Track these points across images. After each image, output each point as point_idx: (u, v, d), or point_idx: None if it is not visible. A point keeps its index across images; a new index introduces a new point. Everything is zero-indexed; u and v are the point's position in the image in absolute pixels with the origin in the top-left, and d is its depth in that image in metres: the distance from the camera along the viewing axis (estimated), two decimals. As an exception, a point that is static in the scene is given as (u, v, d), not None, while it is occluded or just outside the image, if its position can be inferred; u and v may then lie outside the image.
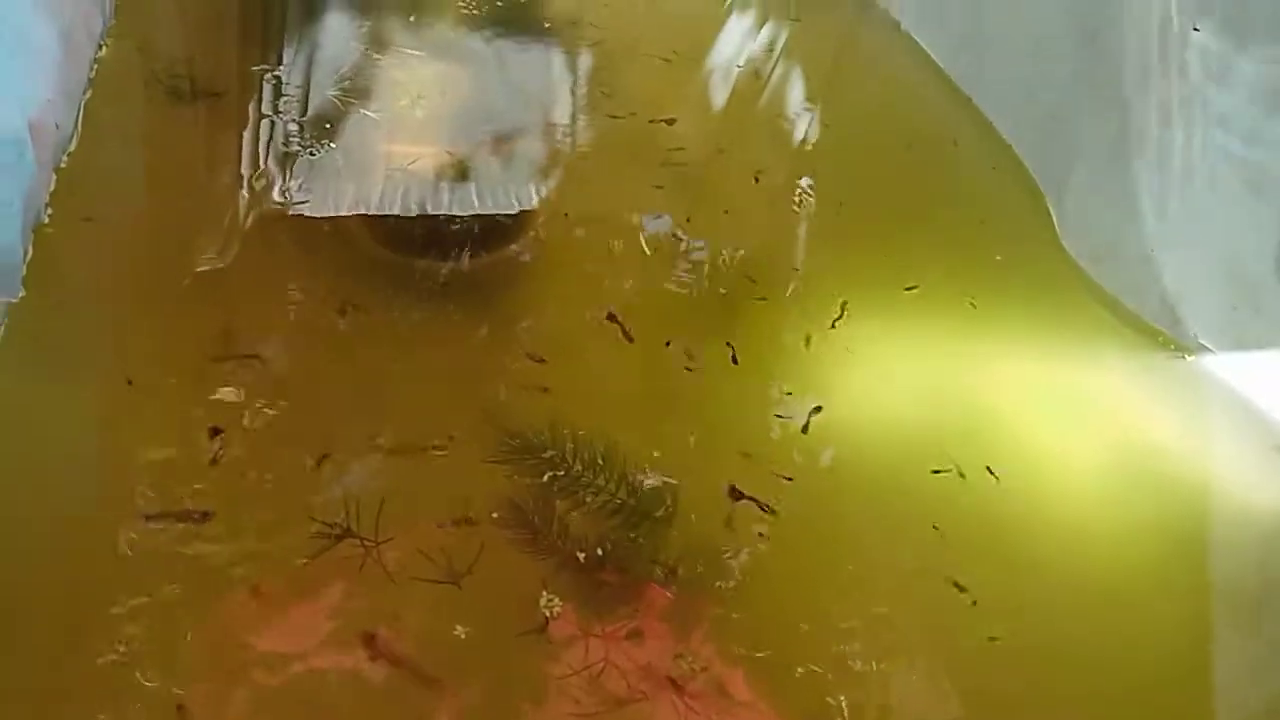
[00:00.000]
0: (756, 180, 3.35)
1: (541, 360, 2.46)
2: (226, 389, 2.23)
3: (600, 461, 2.19)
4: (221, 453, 2.10)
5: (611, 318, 2.63)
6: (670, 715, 1.80)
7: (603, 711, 1.78)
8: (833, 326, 2.78)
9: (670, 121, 3.63)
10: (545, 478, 2.16)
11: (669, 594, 1.99)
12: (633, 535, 2.08)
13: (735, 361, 2.58)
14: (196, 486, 2.02)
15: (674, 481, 2.20)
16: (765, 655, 1.92)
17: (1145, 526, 2.40)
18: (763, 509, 2.20)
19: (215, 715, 1.69)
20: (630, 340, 2.59)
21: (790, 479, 2.29)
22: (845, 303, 2.86)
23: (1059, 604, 2.17)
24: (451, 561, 1.96)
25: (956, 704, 1.95)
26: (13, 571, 1.86)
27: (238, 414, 2.18)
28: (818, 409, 2.47)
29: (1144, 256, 2.94)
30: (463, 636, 1.87)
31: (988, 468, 2.40)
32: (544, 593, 1.93)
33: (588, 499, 2.13)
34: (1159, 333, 2.90)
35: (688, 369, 2.54)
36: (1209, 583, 2.29)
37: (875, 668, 1.95)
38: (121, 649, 1.74)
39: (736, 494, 2.22)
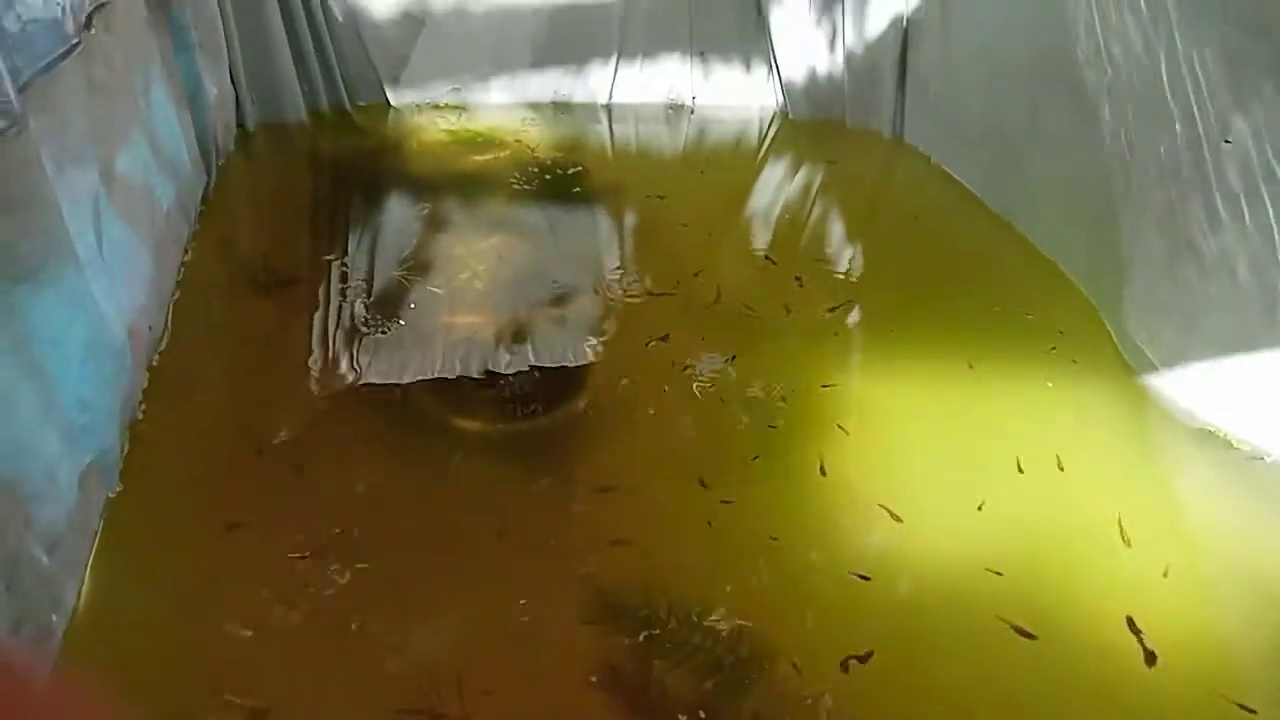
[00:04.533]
0: (801, 314, 3.42)
1: (604, 514, 2.49)
2: (304, 562, 2.27)
3: (695, 618, 2.16)
4: (299, 621, 2.12)
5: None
6: None
7: None
8: (894, 456, 2.78)
9: (714, 268, 3.77)
10: (641, 637, 2.12)
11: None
12: (731, 694, 2.01)
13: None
14: (280, 661, 2.04)
15: (756, 628, 2.15)
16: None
17: (1251, 632, 2.28)
18: (860, 659, 2.12)
19: None
20: (705, 486, 2.59)
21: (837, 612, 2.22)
22: (906, 430, 2.86)
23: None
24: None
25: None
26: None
27: (314, 582, 2.23)
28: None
29: (1211, 365, 2.91)
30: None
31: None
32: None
33: (685, 657, 2.08)
34: (1235, 435, 2.84)
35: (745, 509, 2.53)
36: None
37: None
38: None
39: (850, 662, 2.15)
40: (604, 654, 2.08)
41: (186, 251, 3.46)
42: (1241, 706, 2.06)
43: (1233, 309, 2.83)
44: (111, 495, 2.38)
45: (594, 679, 2.03)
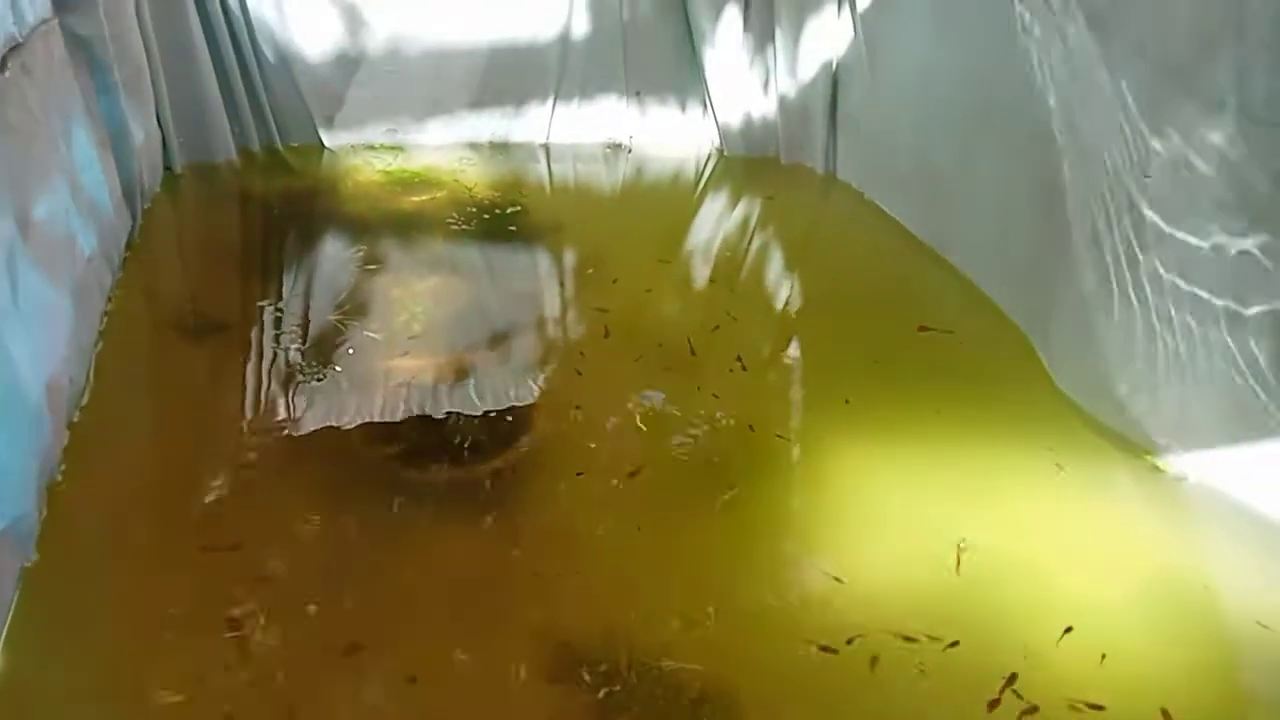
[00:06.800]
0: (741, 356, 3.41)
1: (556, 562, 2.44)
2: (240, 622, 2.17)
3: (656, 669, 2.10)
4: (235, 685, 2.02)
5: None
6: None
7: None
8: (838, 487, 2.79)
9: (655, 303, 3.77)
10: (601, 694, 2.06)
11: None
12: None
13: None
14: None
15: (718, 676, 2.11)
16: None
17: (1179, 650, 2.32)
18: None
19: None
20: (652, 525, 2.57)
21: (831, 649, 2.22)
22: (847, 462, 2.88)
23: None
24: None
25: None
26: None
27: (250, 643, 2.12)
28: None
29: (1140, 389, 3.00)
30: None
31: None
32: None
33: (647, 711, 2.03)
34: (1163, 458, 2.92)
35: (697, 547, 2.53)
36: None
37: None
38: None
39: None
40: (564, 713, 2.02)
41: (110, 299, 3.32)
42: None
43: (1156, 337, 2.92)
44: (27, 565, 2.23)
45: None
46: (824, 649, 2.22)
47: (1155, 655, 2.28)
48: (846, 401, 3.15)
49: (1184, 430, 2.89)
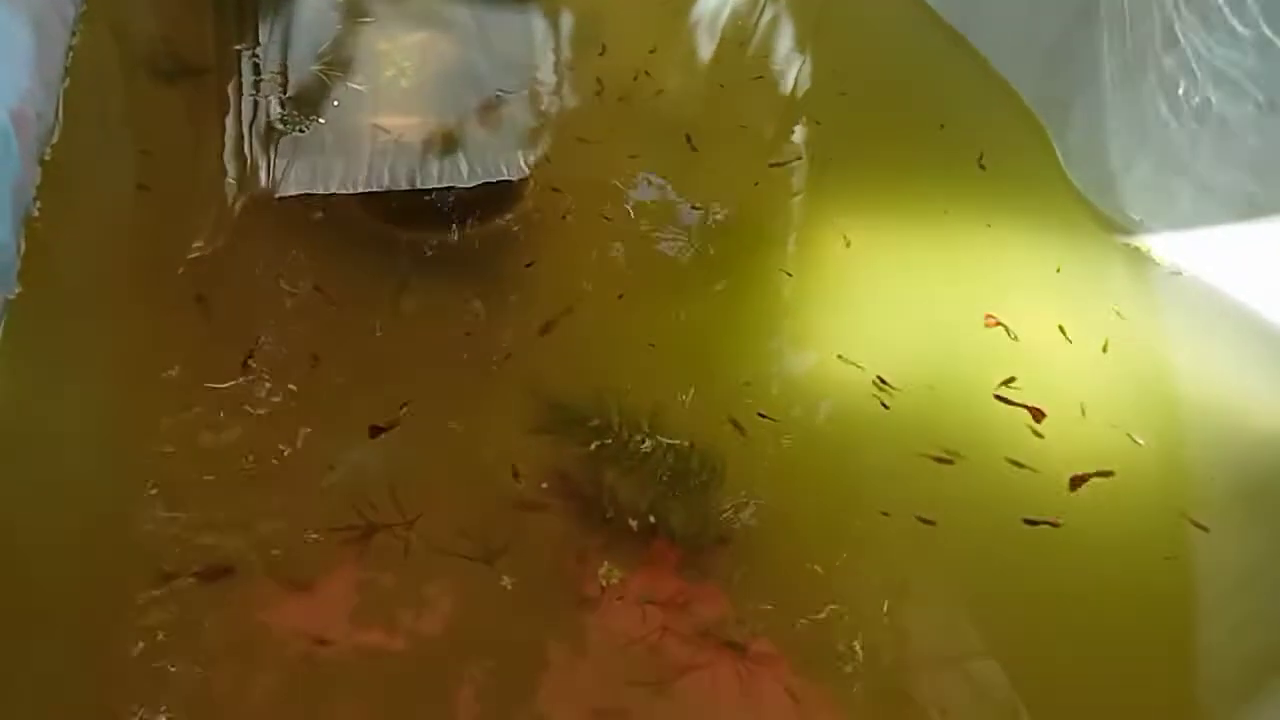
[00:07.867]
0: (744, 139, 3.27)
1: (546, 329, 2.44)
2: (229, 379, 2.16)
3: (647, 428, 2.15)
4: (227, 440, 2.03)
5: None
6: (732, 679, 1.78)
7: (666, 679, 1.75)
8: (834, 279, 2.77)
9: (656, 79, 3.56)
10: (593, 446, 2.11)
11: (721, 557, 1.95)
12: (682, 500, 2.04)
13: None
14: (207, 478, 1.96)
15: (704, 442, 2.17)
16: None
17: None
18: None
19: (241, 695, 1.66)
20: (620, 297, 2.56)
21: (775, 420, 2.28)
22: (848, 242, 2.85)
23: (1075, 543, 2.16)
24: (498, 533, 1.92)
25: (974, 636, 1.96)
26: (32, 568, 1.80)
27: (241, 401, 2.12)
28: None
29: (1151, 183, 2.92)
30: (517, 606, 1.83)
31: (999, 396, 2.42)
32: (604, 563, 1.89)
33: (636, 466, 2.09)
34: (1160, 252, 2.92)
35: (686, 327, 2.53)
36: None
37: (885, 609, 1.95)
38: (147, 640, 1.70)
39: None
40: (555, 462, 2.07)
41: (74, 34, 3.05)
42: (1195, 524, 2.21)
43: (1176, 130, 2.82)
44: (10, 298, 2.18)
45: (544, 485, 2.02)
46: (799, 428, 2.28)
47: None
48: (837, 235, 2.98)
49: (1185, 225, 2.86)
